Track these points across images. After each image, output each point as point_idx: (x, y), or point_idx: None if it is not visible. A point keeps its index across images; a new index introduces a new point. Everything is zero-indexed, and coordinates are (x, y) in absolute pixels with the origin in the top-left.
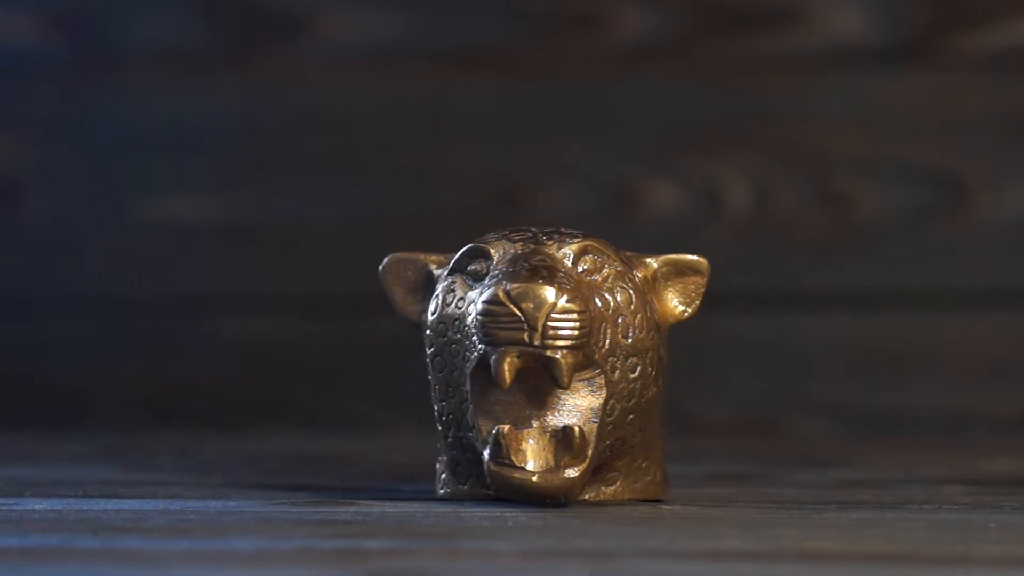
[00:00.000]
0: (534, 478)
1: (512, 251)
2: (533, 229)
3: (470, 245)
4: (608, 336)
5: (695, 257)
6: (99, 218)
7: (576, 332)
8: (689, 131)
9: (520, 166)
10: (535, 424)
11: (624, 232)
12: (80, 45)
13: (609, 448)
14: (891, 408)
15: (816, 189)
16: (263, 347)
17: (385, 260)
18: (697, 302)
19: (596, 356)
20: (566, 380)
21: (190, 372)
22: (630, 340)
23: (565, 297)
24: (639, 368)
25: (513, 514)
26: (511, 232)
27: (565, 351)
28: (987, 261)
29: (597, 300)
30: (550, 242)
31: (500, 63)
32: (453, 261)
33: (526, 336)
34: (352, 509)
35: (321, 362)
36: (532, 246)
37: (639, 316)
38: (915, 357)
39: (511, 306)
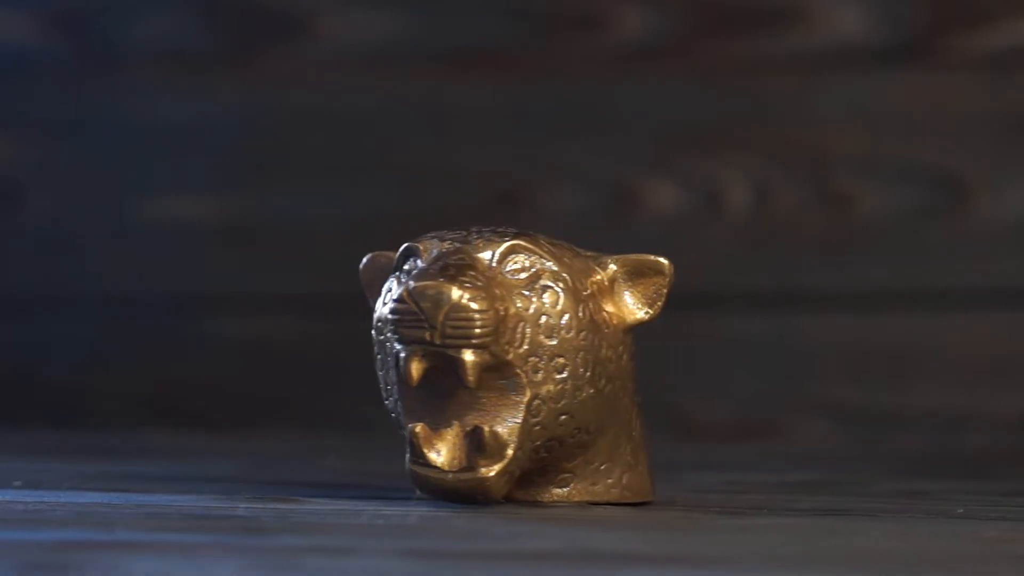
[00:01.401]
0: (448, 477)
1: (437, 250)
2: (471, 229)
3: (405, 245)
4: (527, 336)
5: (656, 258)
6: (99, 218)
7: (477, 331)
8: (689, 131)
9: (520, 166)
10: (455, 423)
11: (624, 232)
12: (80, 45)
13: (544, 449)
14: (891, 408)
15: (816, 189)
16: (263, 347)
17: (364, 259)
18: (659, 303)
19: (509, 356)
20: (471, 379)
21: (190, 372)
22: (554, 341)
23: (467, 295)
24: (567, 369)
25: (446, 514)
26: (447, 231)
27: (467, 350)
28: (987, 261)
29: (517, 300)
30: (477, 241)
31: (500, 63)
32: (395, 261)
33: (427, 335)
34: (288, 507)
35: (321, 362)
36: (457, 245)
37: (567, 316)
38: (915, 357)
39: (413, 304)
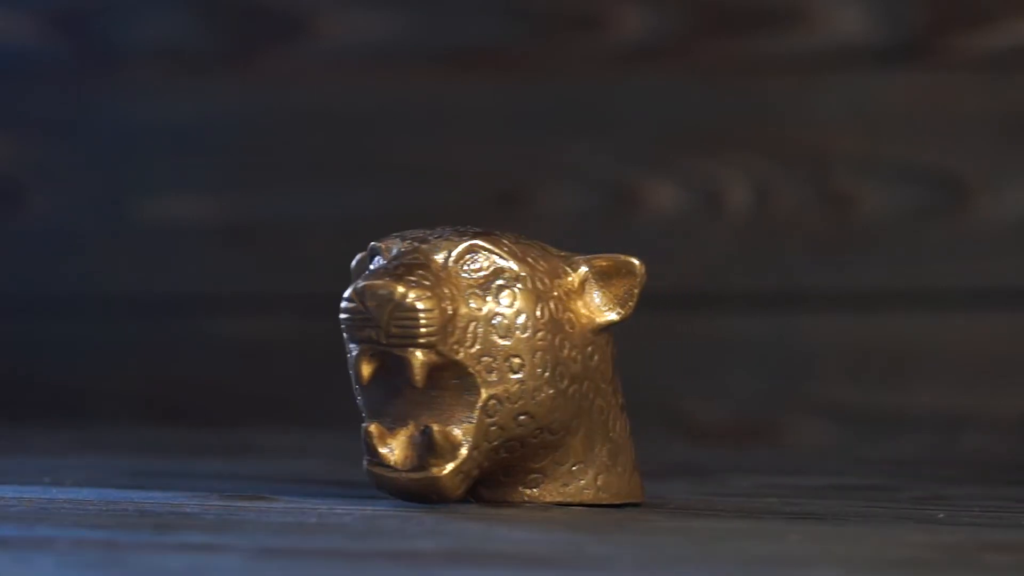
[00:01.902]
0: (401, 477)
1: (397, 250)
2: (436, 228)
3: (371, 244)
4: (479, 336)
5: (627, 258)
6: (99, 218)
7: (421, 330)
8: (689, 131)
9: (520, 166)
10: (411, 422)
11: (624, 232)
12: (80, 45)
13: (504, 449)
14: (891, 408)
15: (816, 189)
16: (263, 347)
17: (355, 258)
18: (631, 304)
19: (459, 355)
20: (418, 378)
21: (190, 372)
22: (508, 341)
23: (412, 294)
24: (523, 369)
25: (410, 514)
26: (410, 231)
27: (413, 349)
28: (987, 261)
29: (471, 300)
30: (437, 240)
31: (500, 63)
32: (365, 261)
33: (374, 334)
34: (257, 504)
35: (321, 362)
36: (415, 244)
37: (523, 316)
38: (915, 357)
39: (360, 303)
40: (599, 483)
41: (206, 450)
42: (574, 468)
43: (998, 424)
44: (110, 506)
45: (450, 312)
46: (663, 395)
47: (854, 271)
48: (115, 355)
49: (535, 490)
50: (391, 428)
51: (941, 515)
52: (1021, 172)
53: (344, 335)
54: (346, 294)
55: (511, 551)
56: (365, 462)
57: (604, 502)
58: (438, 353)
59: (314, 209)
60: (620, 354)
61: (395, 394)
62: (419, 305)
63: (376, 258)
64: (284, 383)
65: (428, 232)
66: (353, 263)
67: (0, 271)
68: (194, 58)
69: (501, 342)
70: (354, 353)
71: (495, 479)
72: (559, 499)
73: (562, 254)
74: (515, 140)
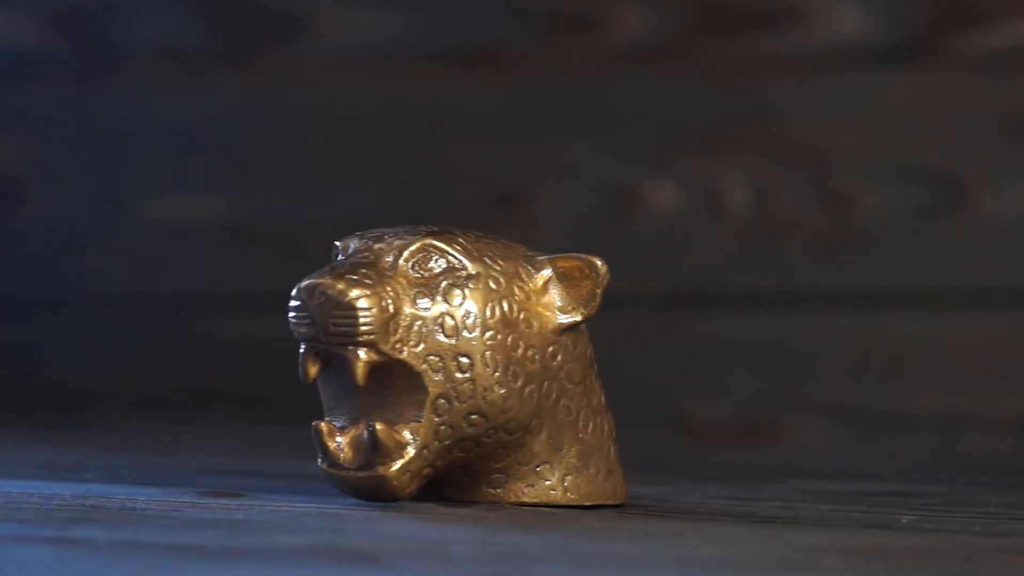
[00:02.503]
0: (349, 475)
1: (352, 248)
2: (394, 228)
3: (334, 243)
4: (425, 335)
5: (590, 258)
6: (99, 218)
7: (361, 328)
8: (689, 131)
9: (520, 166)
10: (362, 421)
11: (624, 232)
12: (80, 45)
13: (458, 448)
14: (891, 408)
15: (816, 189)
16: (263, 347)
17: None
18: (593, 304)
19: (403, 355)
20: (358, 376)
21: (190, 372)
22: (454, 340)
23: (352, 292)
24: (472, 369)
25: (378, 514)
26: (372, 230)
27: (353, 347)
28: (987, 261)
29: (419, 299)
30: (391, 239)
31: (500, 63)
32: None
33: (315, 332)
34: (234, 502)
35: None
36: (368, 243)
37: (472, 317)
38: (915, 357)
39: (301, 302)
40: (567, 484)
41: (206, 450)
42: (539, 468)
43: (998, 424)
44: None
45: (391, 311)
46: (663, 395)
47: (854, 271)
48: (115, 355)
49: (499, 490)
50: (345, 426)
51: (904, 519)
52: (1021, 172)
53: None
54: (292, 293)
55: (385, 548)
56: (318, 460)
57: (573, 503)
58: (379, 352)
59: (314, 209)
60: (620, 354)
61: (348, 392)
62: (358, 303)
63: (337, 257)
64: (284, 383)
65: (386, 231)
66: None
67: (0, 271)
68: (194, 58)
69: (447, 341)
70: (301, 351)
71: (457, 478)
72: (523, 500)
73: (528, 254)
74: (515, 140)
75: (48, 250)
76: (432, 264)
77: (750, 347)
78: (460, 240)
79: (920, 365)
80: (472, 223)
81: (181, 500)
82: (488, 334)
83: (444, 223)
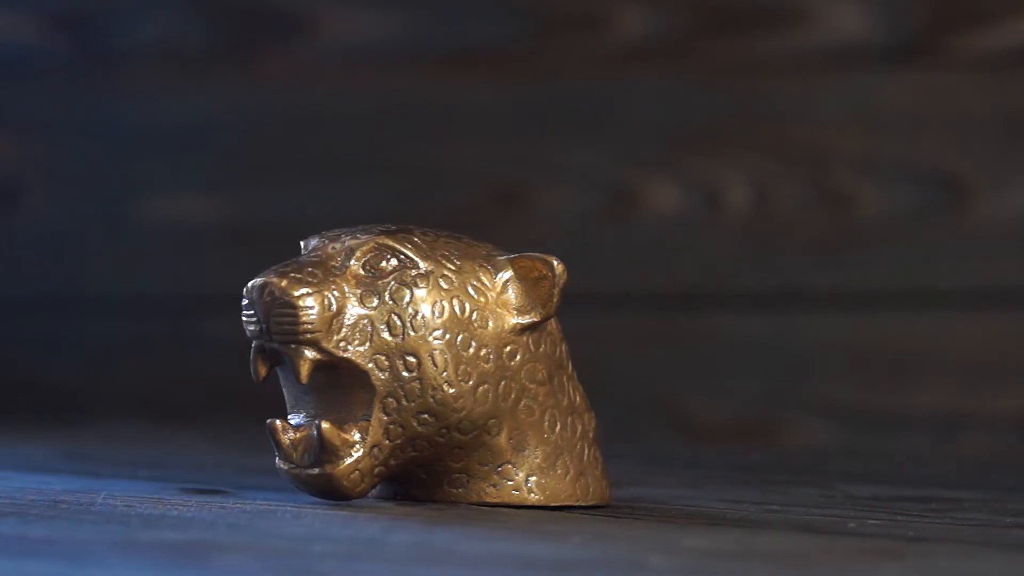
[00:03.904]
0: (301, 473)
1: (309, 246)
2: (350, 228)
3: (300, 241)
4: (371, 334)
5: (546, 257)
6: (99, 218)
7: (301, 326)
8: (689, 131)
9: (520, 166)
10: (315, 420)
11: (624, 232)
12: (80, 45)
13: (411, 447)
14: (891, 408)
15: (816, 189)
16: None
17: None
18: (551, 303)
19: (347, 354)
20: (301, 374)
21: (190, 372)
22: (400, 339)
23: (294, 290)
24: (419, 368)
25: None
26: (331, 231)
27: (296, 346)
28: (987, 261)
29: (367, 298)
30: (345, 238)
31: (500, 63)
32: None
33: (259, 330)
34: (216, 500)
35: None
36: (323, 242)
37: (421, 316)
38: (915, 357)
39: (249, 300)
40: (531, 484)
41: (206, 449)
42: (500, 468)
43: (998, 424)
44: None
45: (334, 309)
46: (663, 395)
47: (854, 271)
48: (115, 355)
49: (460, 489)
50: (300, 424)
51: (852, 524)
52: (1021, 172)
53: None
54: (243, 290)
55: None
56: (275, 458)
57: (538, 504)
58: (322, 350)
59: (314, 209)
60: (620, 354)
61: (305, 391)
62: (299, 302)
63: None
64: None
65: (344, 230)
66: None
67: (0, 271)
68: (194, 58)
69: (393, 340)
70: (252, 350)
71: (418, 477)
72: (486, 499)
73: (491, 253)
74: (515, 140)
75: (48, 250)
76: (384, 263)
77: (750, 347)
78: (414, 239)
79: (920, 365)
80: (472, 223)
81: (152, 497)
82: (436, 333)
83: (444, 223)
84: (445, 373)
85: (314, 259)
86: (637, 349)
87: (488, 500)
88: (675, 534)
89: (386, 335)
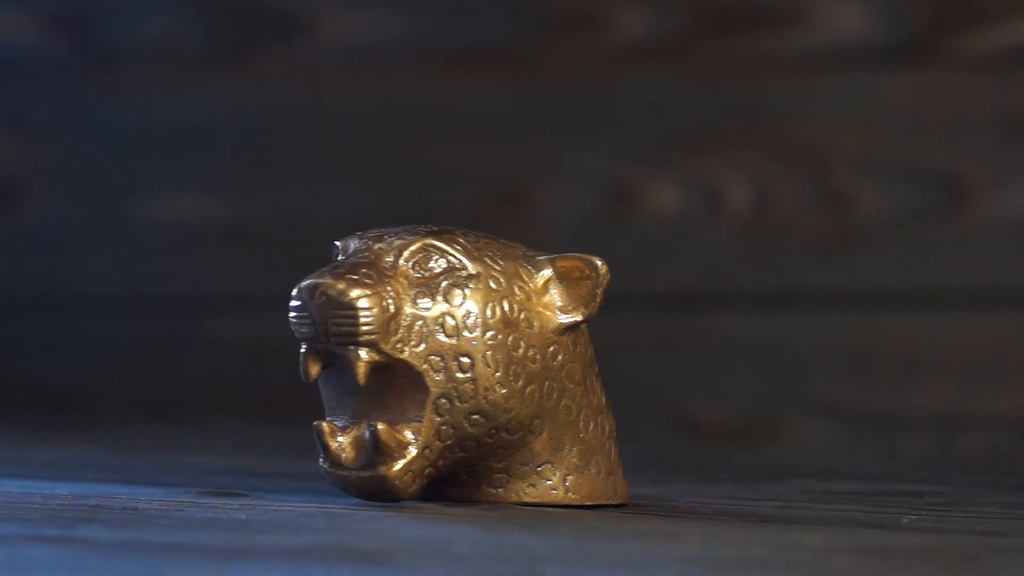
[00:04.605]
0: (351, 475)
1: (353, 248)
2: (395, 228)
3: (334, 243)
4: (426, 335)
5: (590, 258)
6: (99, 218)
7: (361, 328)
8: (689, 131)
9: (520, 166)
10: (363, 422)
11: (624, 232)
12: (80, 45)
13: (459, 448)
14: (891, 408)
15: (816, 189)
16: (263, 347)
17: None
18: (594, 304)
19: (404, 355)
20: (360, 376)
21: (190, 372)
22: (455, 340)
23: (351, 292)
24: (473, 368)
25: (380, 514)
26: (371, 230)
27: (354, 347)
28: (988, 261)
29: (418, 299)
30: (390, 238)
31: (500, 63)
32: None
33: (315, 332)
34: (234, 502)
35: None
36: (368, 243)
37: (473, 317)
38: (915, 357)
39: (302, 302)
40: (568, 484)
41: (206, 449)
42: (540, 468)
43: (998, 424)
44: (75, 502)
45: (391, 310)
46: (663, 395)
47: (854, 271)
48: (115, 355)
49: (500, 490)
50: (346, 426)
51: (906, 519)
52: (1021, 172)
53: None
54: (293, 293)
55: (390, 548)
56: (320, 460)
57: (574, 503)
58: (380, 352)
59: (314, 209)
60: (620, 354)
61: (349, 392)
62: (358, 303)
63: (336, 256)
64: (284, 383)
65: (385, 231)
66: None
67: (0, 271)
68: (194, 58)
69: (448, 341)
70: (302, 351)
71: (459, 478)
72: (525, 499)
73: (528, 253)
74: (515, 140)
75: (48, 250)
76: (432, 264)
77: (750, 347)
78: (460, 240)
79: (920, 365)
80: (472, 223)
81: (182, 500)
82: (489, 334)
83: (444, 223)
84: (498, 374)
85: (364, 260)
86: (637, 349)
87: (527, 500)
88: (782, 533)
89: (441, 336)
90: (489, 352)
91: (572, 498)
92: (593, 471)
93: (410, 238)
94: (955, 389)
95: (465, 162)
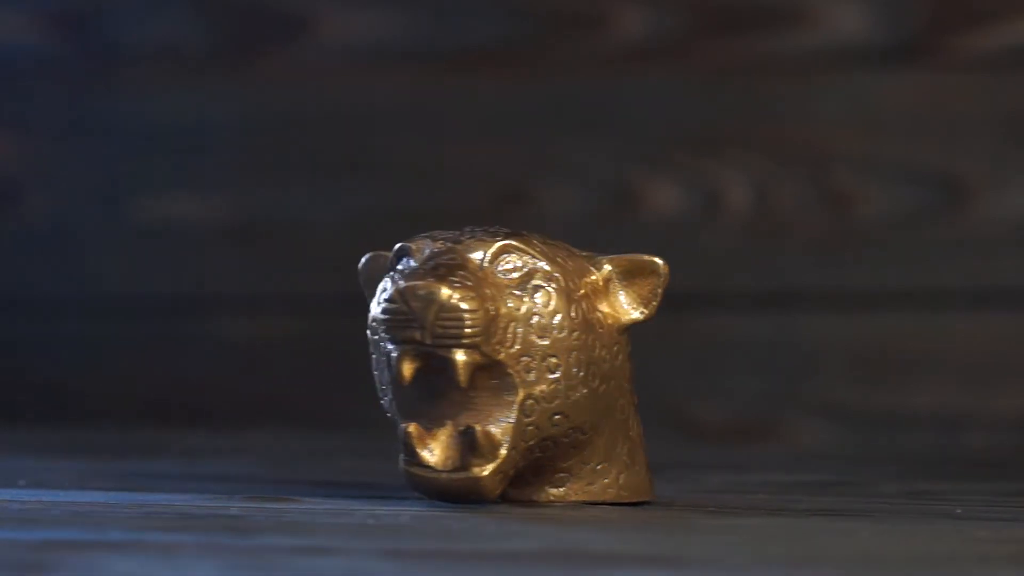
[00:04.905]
0: (441, 477)
1: (430, 250)
2: (464, 229)
3: (399, 245)
4: (519, 336)
5: (651, 258)
6: (99, 218)
7: (467, 330)
8: (689, 131)
9: (520, 166)
10: (448, 423)
11: (624, 232)
12: (80, 45)
13: (538, 448)
14: (891, 408)
15: (816, 189)
16: (263, 347)
17: (363, 259)
18: (654, 303)
19: (501, 356)
20: (462, 379)
21: (190, 372)
22: (546, 341)
23: (457, 295)
24: (560, 369)
25: (440, 514)
26: (438, 232)
27: (458, 349)
28: (987, 261)
29: (508, 300)
30: (469, 241)
31: (500, 63)
32: (390, 261)
33: (418, 335)
34: (278, 506)
35: (320, 362)
36: (449, 245)
37: (559, 316)
38: (915, 357)
39: (403, 304)
40: (621, 482)
41: (205, 451)
42: (598, 467)
43: (998, 424)
44: (152, 510)
45: (492, 312)
46: (663, 395)
47: (854, 271)
48: (115, 355)
49: (561, 489)
50: (428, 429)
51: (959, 510)
52: (1021, 172)
53: (378, 336)
54: (386, 294)
55: (610, 550)
56: (402, 463)
57: (625, 500)
58: (481, 354)
59: (314, 209)
60: None
61: (432, 394)
62: (464, 305)
63: (404, 259)
64: (284, 383)
65: (458, 232)
66: (362, 263)
67: (0, 271)
68: (194, 58)
69: (540, 342)
70: (394, 354)
71: (524, 479)
72: (584, 498)
73: (584, 254)
74: (515, 140)
75: (48, 250)
76: (513, 265)
77: (750, 347)
78: (534, 240)
79: (920, 365)
80: (472, 223)
81: (258, 505)
82: (574, 334)
83: (444, 223)
84: (581, 374)
85: (455, 262)
86: (637, 349)
87: (586, 499)
88: (844, 527)
89: (533, 337)
90: (574, 353)
91: (624, 496)
92: (638, 468)
93: (489, 239)
94: (955, 389)
95: (465, 162)
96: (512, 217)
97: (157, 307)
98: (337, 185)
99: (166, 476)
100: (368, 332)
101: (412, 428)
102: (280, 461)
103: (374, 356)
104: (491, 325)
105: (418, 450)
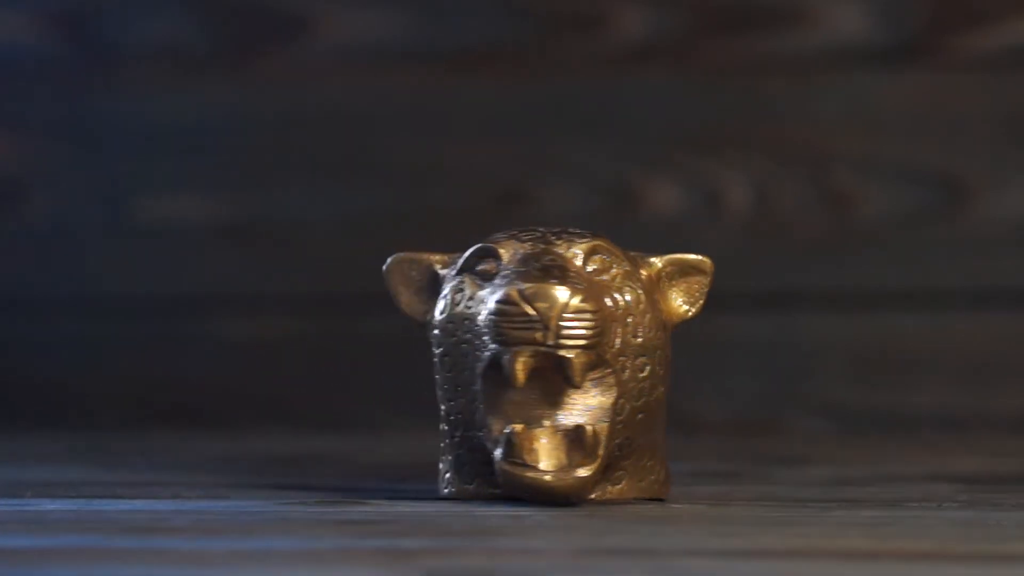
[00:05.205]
0: (547, 477)
1: (522, 251)
2: (541, 229)
3: (479, 245)
4: (619, 336)
5: (699, 257)
6: (99, 218)
7: (589, 332)
8: (689, 131)
9: (520, 166)
10: (547, 424)
11: (625, 232)
12: (80, 45)
13: (618, 447)
14: (891, 408)
15: (816, 189)
16: (263, 347)
17: (389, 260)
18: (700, 301)
19: (607, 356)
20: (579, 379)
21: (190, 372)
22: (640, 339)
23: (579, 297)
24: (648, 367)
25: (527, 513)
26: (520, 232)
27: (578, 351)
28: (987, 261)
29: (607, 300)
30: (559, 242)
31: (500, 63)
32: (462, 261)
33: (540, 336)
34: (364, 508)
35: (321, 362)
36: (542, 246)
37: (648, 315)
38: (915, 357)
39: (524, 306)
40: (663, 478)
41: (205, 452)
42: (648, 464)
43: (998, 424)
44: (256, 515)
45: (604, 313)
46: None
47: (854, 271)
48: (115, 355)
49: (618, 487)
50: (534, 428)
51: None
52: (1021, 172)
53: (462, 336)
54: (500, 296)
55: (730, 548)
56: (503, 462)
57: (661, 496)
58: (596, 354)
59: (314, 209)
60: None
61: (518, 393)
62: (586, 307)
63: (486, 259)
64: (284, 383)
65: (540, 232)
66: (388, 264)
67: (0, 271)
68: (194, 58)
69: (634, 341)
70: (506, 356)
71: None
72: (637, 494)
73: (633, 254)
74: (515, 140)
75: (48, 250)
76: (601, 265)
77: (750, 347)
78: (609, 240)
79: (920, 365)
80: (472, 223)
81: (324, 510)
82: (658, 333)
83: (444, 223)
84: (661, 372)
85: (557, 263)
86: None
87: (639, 495)
88: (842, 524)
89: (630, 337)
90: (659, 351)
91: (663, 492)
92: (667, 463)
93: (578, 239)
94: (955, 389)
95: (465, 162)
96: (512, 217)
97: (157, 307)
98: (337, 185)
99: (166, 477)
100: (438, 332)
101: (519, 428)
102: (282, 463)
103: (445, 357)
104: (606, 326)
105: (522, 451)
